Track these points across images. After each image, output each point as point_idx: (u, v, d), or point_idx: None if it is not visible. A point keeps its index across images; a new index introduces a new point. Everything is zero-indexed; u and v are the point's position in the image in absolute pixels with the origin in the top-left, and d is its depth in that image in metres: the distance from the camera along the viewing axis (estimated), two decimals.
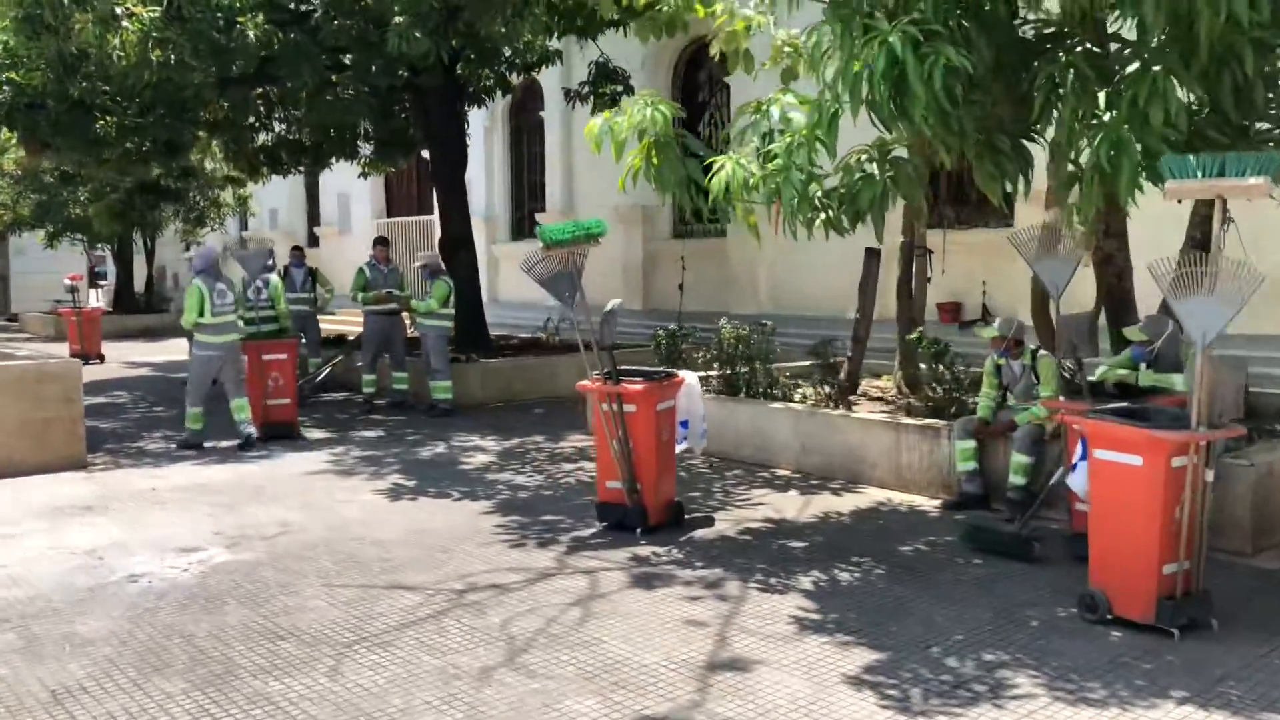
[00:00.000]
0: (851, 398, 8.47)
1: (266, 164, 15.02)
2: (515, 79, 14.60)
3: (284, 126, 15.20)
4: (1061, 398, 5.62)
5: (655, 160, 5.84)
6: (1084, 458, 4.80)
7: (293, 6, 11.37)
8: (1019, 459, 6.29)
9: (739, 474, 7.84)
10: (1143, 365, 5.74)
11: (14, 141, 13.21)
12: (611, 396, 6.11)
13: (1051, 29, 5.55)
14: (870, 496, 7.06)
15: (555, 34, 12.37)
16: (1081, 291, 7.36)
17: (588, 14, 11.60)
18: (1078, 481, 4.88)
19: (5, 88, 10.93)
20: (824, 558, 5.64)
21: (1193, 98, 4.94)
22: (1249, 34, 4.42)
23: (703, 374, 8.14)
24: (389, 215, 24.79)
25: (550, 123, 19.27)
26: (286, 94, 13.78)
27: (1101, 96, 4.70)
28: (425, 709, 3.84)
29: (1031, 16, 5.40)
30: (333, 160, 16.13)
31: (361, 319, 11.78)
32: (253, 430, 9.08)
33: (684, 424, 6.55)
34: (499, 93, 14.16)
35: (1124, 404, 4.87)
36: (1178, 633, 4.35)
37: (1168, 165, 4.30)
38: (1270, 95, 5.00)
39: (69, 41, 9.55)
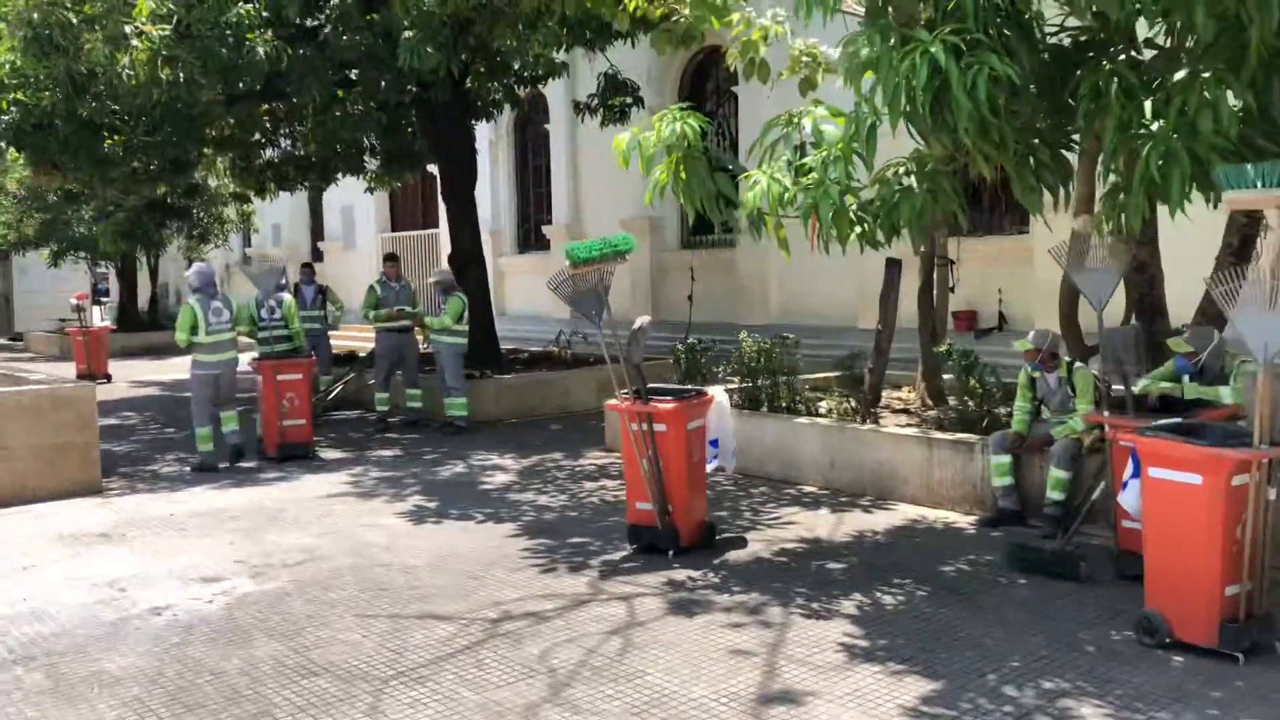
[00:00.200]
0: (874, 410, 8.35)
1: (273, 180, 14.92)
2: (523, 92, 14.52)
3: (290, 143, 15.13)
4: (1106, 412, 5.49)
5: (683, 174, 5.72)
6: (1135, 475, 4.67)
7: (301, 22, 11.27)
8: (1056, 474, 6.17)
9: (765, 491, 7.71)
10: (1186, 377, 5.62)
11: (19, 162, 13.08)
12: (641, 416, 5.98)
13: (1084, 37, 5.44)
14: (903, 513, 6.93)
15: (564, 46, 12.29)
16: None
17: (596, 26, 11.51)
18: (1129, 500, 4.75)
19: (13, 108, 10.80)
20: (864, 580, 5.51)
21: (1238, 105, 4.83)
22: None
23: (722, 388, 8.00)
24: (393, 230, 24.70)
25: (556, 135, 19.20)
26: (293, 110, 13.72)
27: (1148, 105, 4.59)
28: None
29: (1071, 24, 5.28)
30: (339, 176, 16.05)
31: (373, 336, 11.67)
32: (239, 441, 9.16)
33: (714, 443, 6.43)
34: (507, 106, 14.07)
35: (1175, 419, 4.74)
36: (1242, 657, 4.22)
37: (1224, 175, 4.19)
38: None
39: (78, 61, 9.45)
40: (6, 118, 10.99)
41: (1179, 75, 4.56)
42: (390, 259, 11.77)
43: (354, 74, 11.82)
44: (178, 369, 17.09)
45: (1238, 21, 4.35)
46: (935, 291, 9.38)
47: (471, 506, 7.47)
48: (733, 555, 6.06)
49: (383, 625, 5.00)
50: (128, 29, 9.60)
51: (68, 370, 16.17)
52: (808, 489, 7.73)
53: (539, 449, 9.74)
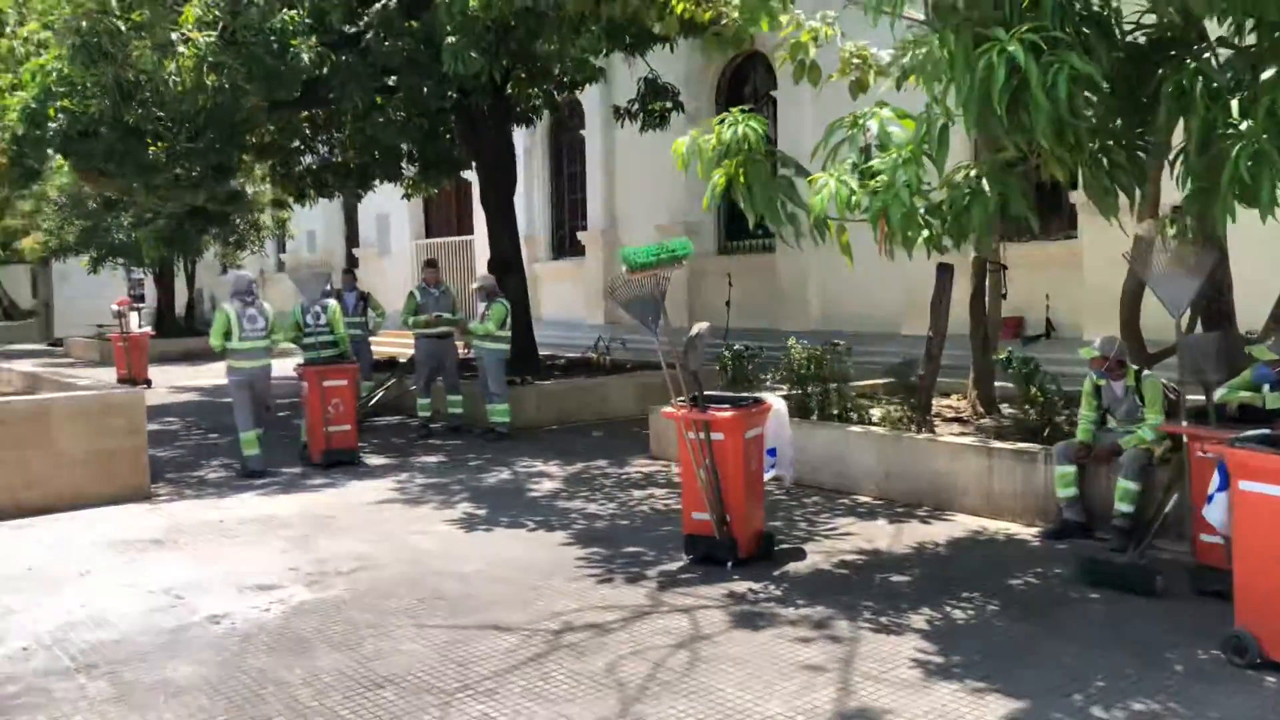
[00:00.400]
0: (927, 418, 8.21)
1: (313, 187, 14.96)
2: (561, 98, 14.48)
3: (328, 149, 15.17)
4: (1184, 422, 5.33)
5: (744, 178, 5.61)
6: (1222, 488, 4.51)
7: (344, 29, 11.28)
8: (1126, 485, 6.00)
9: (818, 501, 7.59)
10: (1266, 387, 5.44)
11: (64, 169, 13.19)
12: (698, 424, 5.88)
13: (1159, 35, 5.30)
14: (962, 525, 6.78)
15: (605, 51, 12.24)
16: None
17: (636, 30, 11.45)
18: (1216, 514, 4.60)
19: (60, 116, 10.88)
20: (931, 593, 5.38)
21: None
22: None
23: (780, 396, 7.89)
24: (428, 236, 24.79)
25: (591, 141, 19.18)
26: (332, 117, 13.76)
27: (1234, 104, 4.44)
28: None
29: (1147, 21, 5.14)
30: (377, 182, 16.08)
31: (412, 342, 11.65)
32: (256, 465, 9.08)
33: (771, 452, 6.32)
34: (546, 112, 14.03)
35: (1263, 430, 4.57)
36: None
37: None
38: None
39: (126, 68, 9.49)
40: (54, 125, 11.08)
41: (1267, 74, 4.41)
42: (430, 265, 11.75)
43: (395, 80, 11.82)
44: (215, 374, 17.16)
45: None
46: (987, 297, 9.22)
47: (521, 514, 7.39)
48: (792, 567, 5.94)
49: (444, 635, 4.92)
50: (174, 36, 9.65)
51: (108, 376, 16.27)
52: (862, 499, 7.60)
53: (583, 456, 9.65)
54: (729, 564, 5.87)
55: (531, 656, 4.64)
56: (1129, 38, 5.21)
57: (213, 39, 9.63)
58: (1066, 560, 5.83)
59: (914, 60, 7.43)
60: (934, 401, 8.89)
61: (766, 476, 6.28)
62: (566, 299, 19.84)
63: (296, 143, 14.31)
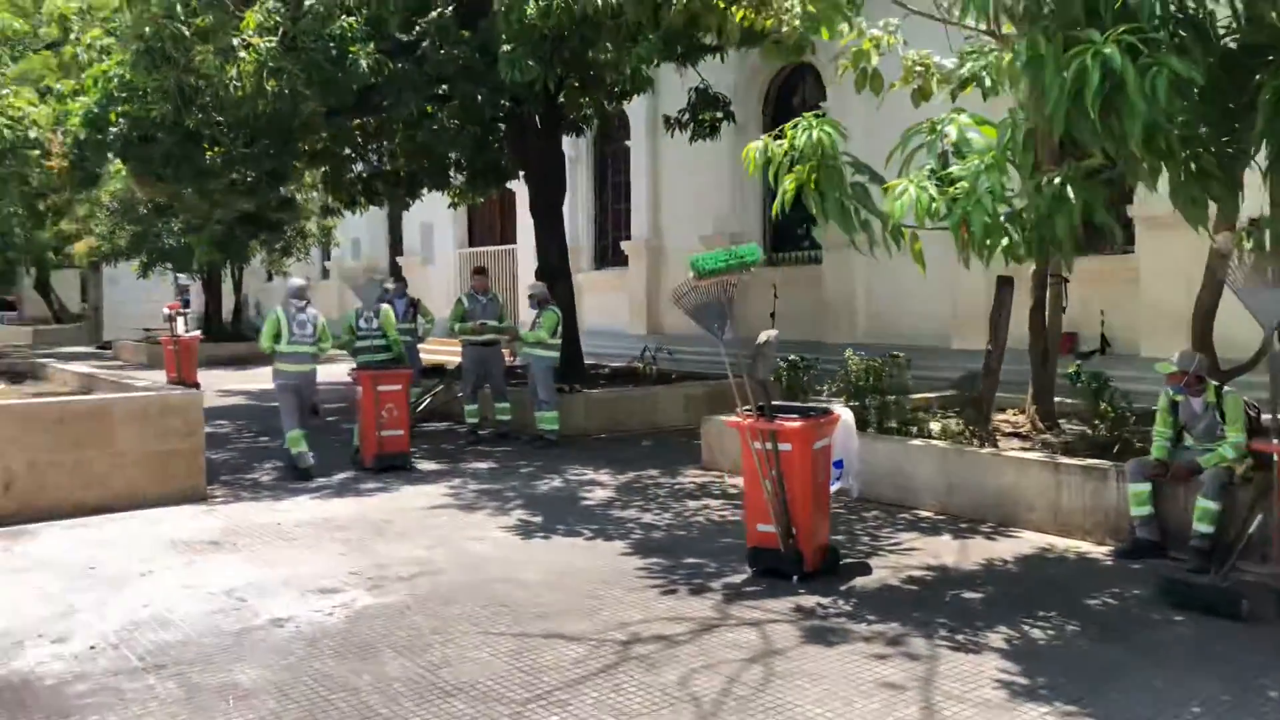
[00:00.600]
0: (987, 432, 8.04)
1: (363, 194, 15.04)
2: (611, 107, 14.45)
3: (378, 157, 15.24)
4: (1277, 440, 5.14)
5: (816, 185, 5.51)
6: None
7: (401, 36, 11.33)
8: (1206, 505, 5.81)
9: (878, 515, 7.45)
10: None
11: (120, 174, 13.36)
12: (765, 434, 5.77)
13: (1252, 40, 5.14)
14: (1029, 541, 6.62)
15: (655, 61, 12.20)
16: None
17: (687, 40, 11.40)
18: None
19: (121, 121, 11.02)
20: (1007, 611, 5.22)
21: None
22: None
23: (845, 407, 7.76)
24: (471, 245, 24.87)
25: (636, 151, 19.13)
26: (382, 125, 13.81)
27: None
28: None
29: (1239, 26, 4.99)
30: (425, 190, 16.14)
31: (459, 349, 11.66)
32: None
33: (838, 464, 6.21)
34: (596, 121, 14.00)
35: None
36: None
37: None
38: None
39: (189, 73, 9.58)
40: (115, 130, 11.23)
41: None
42: (479, 272, 11.75)
43: (448, 88, 11.85)
44: (263, 379, 17.27)
45: None
46: (1047, 310, 9.04)
47: (577, 522, 7.32)
48: (859, 582, 5.81)
49: (510, 644, 4.85)
50: (235, 41, 9.73)
51: (158, 378, 16.42)
52: (923, 513, 7.45)
53: (634, 465, 9.57)
54: (795, 578, 5.75)
55: (601, 668, 4.55)
56: (1222, 42, 5.07)
57: (273, 44, 9.70)
58: (1144, 580, 5.66)
59: (974, 69, 7.39)
60: (991, 416, 8.73)
61: (832, 489, 6.16)
62: (609, 309, 19.78)
63: (348, 150, 14.39)
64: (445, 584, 5.83)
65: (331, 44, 10.25)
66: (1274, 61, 4.70)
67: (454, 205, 18.01)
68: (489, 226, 24.56)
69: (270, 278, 30.17)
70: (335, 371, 13.01)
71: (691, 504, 7.92)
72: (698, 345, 16.62)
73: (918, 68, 7.91)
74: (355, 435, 9.77)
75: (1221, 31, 5.07)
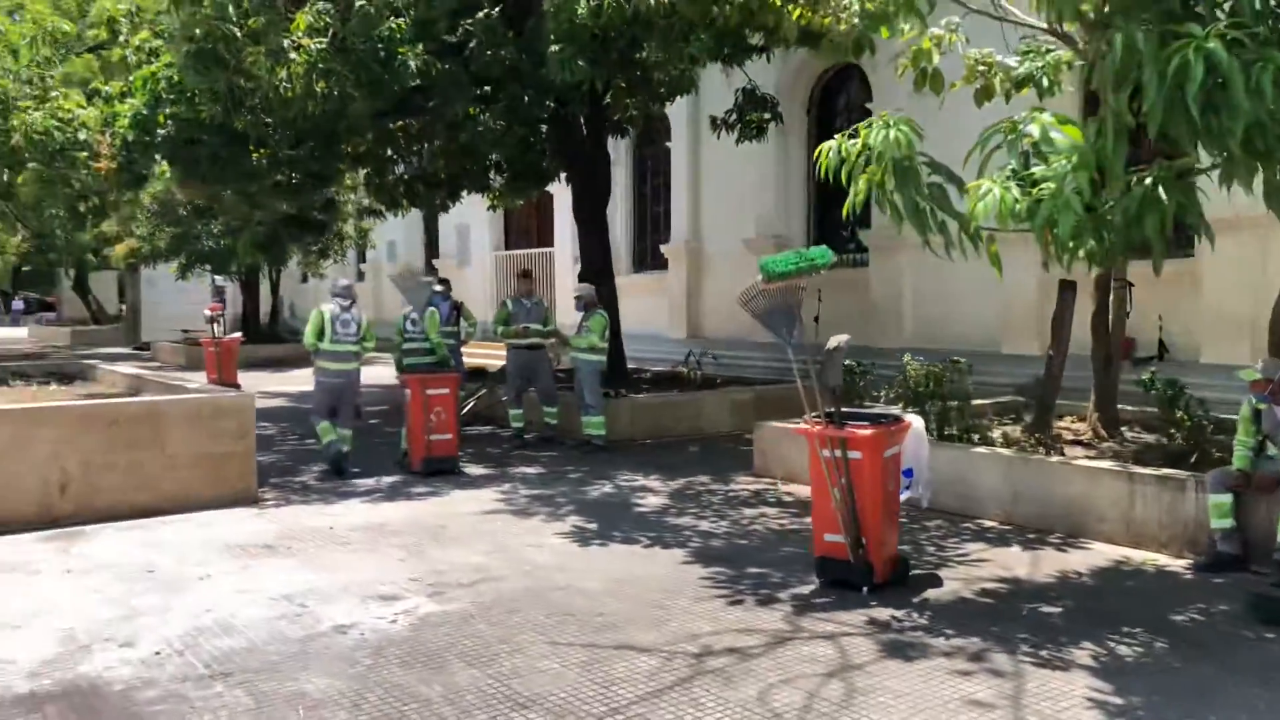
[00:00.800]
0: (1051, 440, 7.84)
1: (405, 196, 15.02)
2: (655, 108, 14.33)
3: (418, 160, 15.21)
4: None
5: (890, 186, 5.36)
6: None
7: (447, 38, 11.28)
8: None
9: (941, 524, 7.27)
10: None
11: (166, 175, 13.42)
12: (835, 441, 5.63)
13: None
14: (1102, 553, 6.42)
15: (706, 61, 12.08)
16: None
17: (734, 40, 11.26)
18: None
19: (169, 123, 11.04)
20: (1089, 626, 5.05)
21: None
22: None
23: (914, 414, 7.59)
24: (507, 248, 24.85)
25: (677, 153, 18.99)
26: (424, 127, 13.78)
27: None
28: None
29: None
30: (465, 193, 16.10)
31: (499, 352, 11.59)
32: (340, 461, 9.23)
33: (908, 472, 6.05)
34: (642, 122, 13.89)
35: None
36: None
37: None
38: None
39: (239, 75, 9.56)
40: (162, 131, 11.25)
41: None
42: (524, 276, 11.68)
43: (490, 90, 11.78)
44: (301, 381, 17.32)
45: None
46: (1110, 315, 8.82)
47: (632, 530, 7.20)
48: (931, 594, 5.65)
49: (580, 655, 4.73)
50: (285, 42, 9.71)
51: (199, 380, 16.47)
52: (987, 523, 7.27)
53: (683, 471, 9.44)
54: (865, 589, 5.60)
55: (676, 681, 4.42)
56: None
57: (324, 45, 9.67)
58: (1229, 595, 5.46)
59: (1031, 68, 7.21)
60: (1053, 423, 8.53)
61: (901, 498, 6.00)
62: (648, 312, 19.66)
63: (389, 152, 14.37)
64: (507, 591, 5.72)
65: (380, 45, 10.21)
66: None
67: (493, 208, 17.97)
68: (525, 229, 24.53)
69: (305, 279, 30.31)
70: (375, 373, 12.99)
71: (748, 511, 7.78)
72: (740, 350, 16.51)
73: (980, 67, 7.74)
74: (403, 438, 9.71)
75: None
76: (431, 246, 27.18)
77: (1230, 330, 10.89)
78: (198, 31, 9.63)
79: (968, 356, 13.11)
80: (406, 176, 15.24)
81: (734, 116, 13.12)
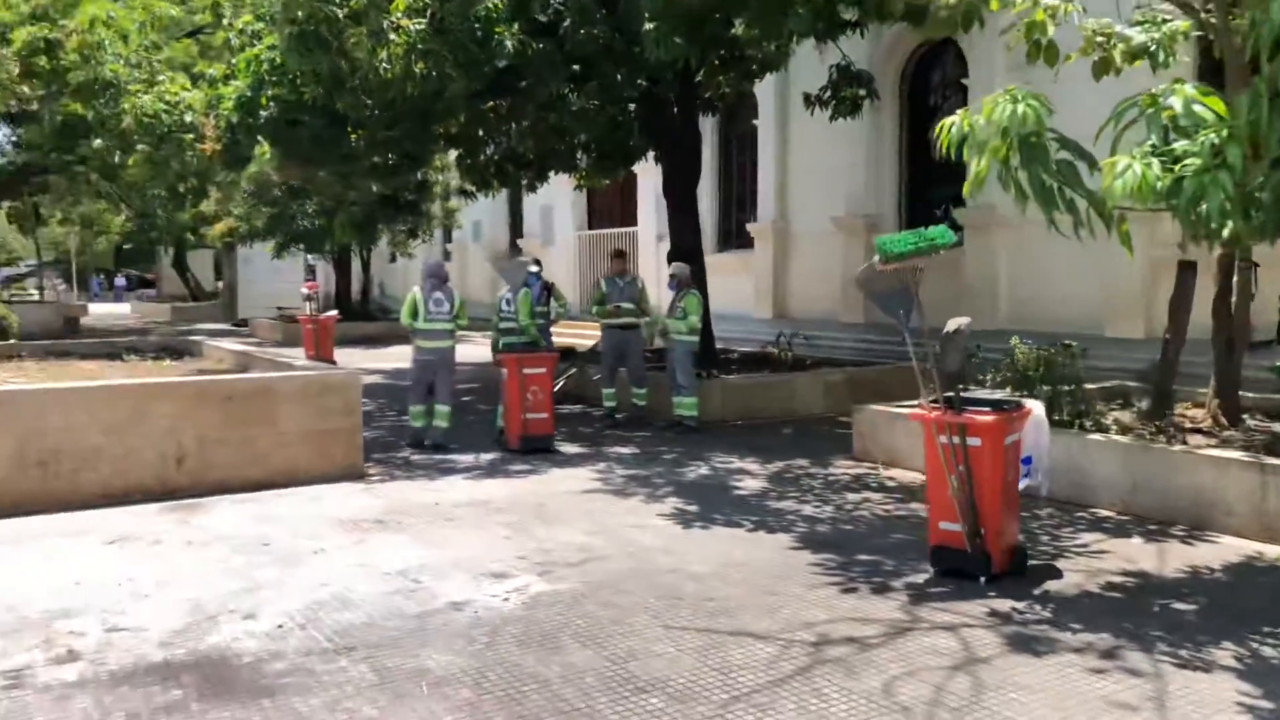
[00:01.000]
0: (1170, 428, 7.53)
1: (495, 176, 15.09)
2: (747, 86, 14.12)
3: (507, 140, 15.26)
4: None
5: (1015, 163, 5.16)
6: None
7: (540, 17, 11.25)
8: None
9: (1054, 513, 7.05)
10: None
11: (266, 157, 13.71)
12: (953, 427, 5.47)
13: None
14: (1232, 548, 6.14)
15: (801, 37, 11.84)
16: None
17: (828, 15, 11.00)
18: None
19: (271, 104, 11.24)
20: (1228, 625, 4.82)
21: None
22: None
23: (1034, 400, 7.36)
24: (590, 228, 24.88)
25: (764, 131, 18.74)
26: (514, 107, 13.80)
27: None
28: None
29: None
30: (552, 173, 16.11)
31: (582, 332, 11.60)
32: (441, 439, 9.47)
33: (1027, 460, 5.85)
34: (730, 100, 13.69)
35: None
36: None
37: None
38: None
39: (340, 56, 9.68)
40: (265, 113, 11.47)
41: None
42: (618, 255, 11.63)
43: (587, 69, 11.73)
44: (394, 358, 17.65)
45: None
46: (1234, 298, 8.42)
47: (734, 513, 7.13)
48: (1052, 586, 5.48)
49: (695, 639, 4.69)
50: (385, 23, 9.80)
51: (295, 355, 16.88)
52: (1102, 512, 7.02)
53: (779, 454, 9.33)
54: (982, 580, 5.44)
55: (796, 670, 4.35)
56: None
57: (422, 26, 9.73)
58: None
59: (1146, 39, 6.88)
60: (1171, 410, 8.19)
61: (1020, 486, 5.81)
62: (733, 293, 19.47)
63: (480, 132, 14.44)
64: (614, 572, 5.71)
65: (477, 25, 10.25)
66: None
67: (579, 187, 17.97)
68: (608, 209, 24.52)
69: (394, 259, 30.81)
70: (465, 352, 13.11)
71: (851, 496, 7.65)
72: (828, 330, 16.26)
73: (1099, 38, 7.42)
74: (498, 416, 9.80)
75: None
76: (516, 227, 27.36)
77: None
78: (300, 14, 9.77)
79: (1067, 340, 12.77)
80: (496, 157, 15.32)
81: (828, 93, 12.84)
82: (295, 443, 7.90)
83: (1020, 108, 5.07)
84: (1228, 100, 4.82)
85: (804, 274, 17.96)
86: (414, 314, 9.41)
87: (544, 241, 25.31)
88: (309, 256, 27.70)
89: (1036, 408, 5.86)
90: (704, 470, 8.65)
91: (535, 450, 9.25)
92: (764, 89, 17.54)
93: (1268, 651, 4.52)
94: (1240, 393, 8.20)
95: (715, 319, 19.31)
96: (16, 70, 12.60)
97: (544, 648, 4.60)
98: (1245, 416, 8.06)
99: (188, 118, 13.62)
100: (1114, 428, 7.68)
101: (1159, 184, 4.63)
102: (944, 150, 5.41)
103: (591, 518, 6.97)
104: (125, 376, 9.05)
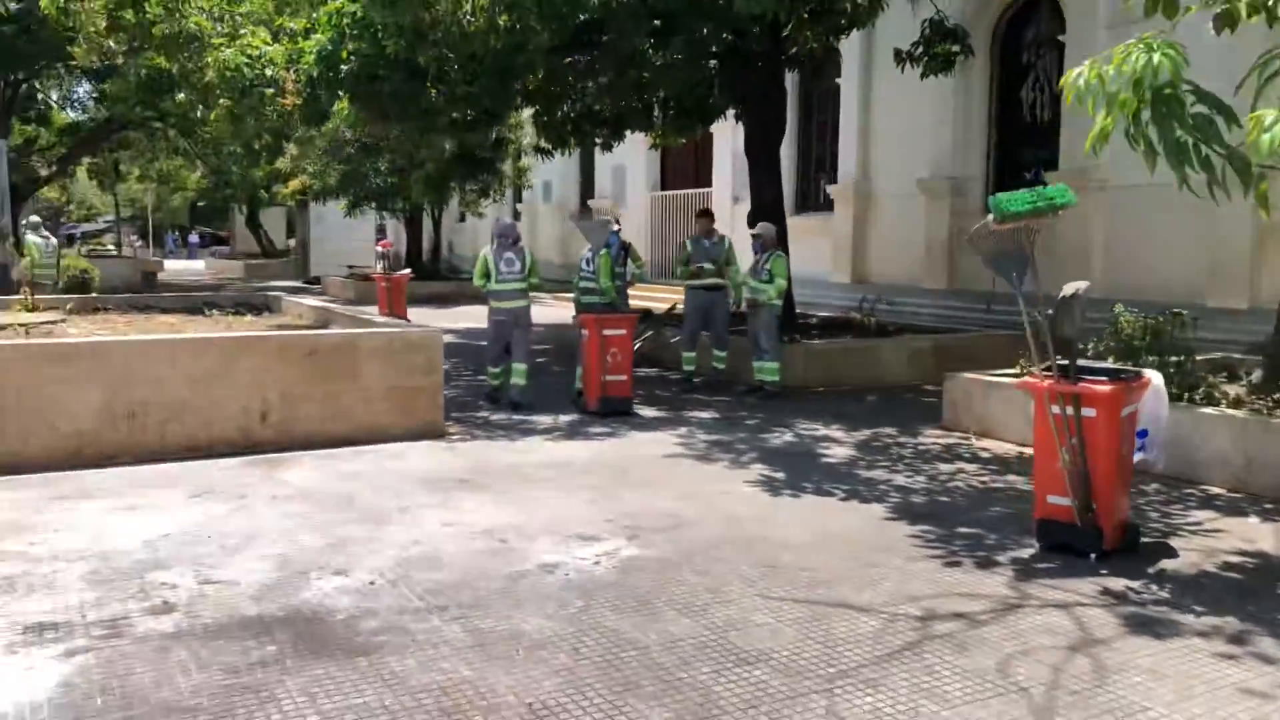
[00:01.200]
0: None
1: (572, 134, 14.90)
2: (834, 41, 13.68)
3: (584, 97, 15.03)
4: None
5: (1149, 118, 4.81)
6: None
7: None
8: None
9: (1160, 489, 6.72)
10: None
11: (344, 112, 13.70)
12: (1067, 397, 5.19)
13: None
14: None
15: None
16: None
17: None
18: None
19: (352, 59, 11.17)
20: None
21: None
22: None
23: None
24: (663, 188, 24.59)
25: (847, 90, 18.21)
26: (594, 62, 13.55)
27: None
28: None
29: None
30: (628, 132, 15.85)
31: (648, 293, 11.41)
32: (519, 397, 9.47)
33: (1142, 433, 5.55)
34: (823, 55, 13.26)
35: None
36: None
37: None
38: None
39: (424, 7, 9.54)
40: (346, 68, 11.41)
41: None
42: (704, 215, 11.38)
43: (664, 24, 11.44)
44: (465, 318, 17.69)
45: None
46: None
47: (823, 481, 6.93)
48: (1167, 564, 5.20)
49: (795, 610, 4.53)
50: None
51: (369, 314, 16.98)
52: (1213, 490, 6.69)
53: (865, 422, 9.09)
54: (1093, 556, 5.19)
55: (904, 645, 4.17)
56: None
57: None
58: None
59: None
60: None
61: (1134, 459, 5.52)
62: (811, 256, 19.06)
63: (559, 89, 14.23)
64: (704, 539, 5.57)
65: None
66: None
67: (655, 146, 17.69)
68: (682, 169, 24.19)
69: (463, 218, 30.89)
70: (538, 313, 13.04)
71: (943, 467, 7.40)
72: (909, 296, 15.84)
73: None
74: (577, 377, 9.69)
75: None
76: (587, 187, 27.17)
77: None
78: None
79: (1162, 307, 12.23)
80: (573, 114, 15.11)
81: (920, 49, 12.37)
82: (377, 399, 7.87)
83: (1156, 57, 4.72)
84: None
85: (885, 237, 17.50)
86: (486, 275, 9.45)
87: (616, 202, 25.10)
88: (381, 215, 27.88)
89: (1155, 378, 5.55)
90: (788, 437, 8.45)
91: (614, 413, 9.13)
92: (848, 45, 16.99)
93: None
94: None
95: (792, 283, 18.99)
96: (104, 24, 12.75)
97: (640, 614, 4.48)
98: None
99: (268, 72, 13.66)
100: (1227, 402, 7.30)
101: None
102: (1068, 102, 5.08)
103: (677, 483, 6.83)
104: (206, 331, 9.12)
